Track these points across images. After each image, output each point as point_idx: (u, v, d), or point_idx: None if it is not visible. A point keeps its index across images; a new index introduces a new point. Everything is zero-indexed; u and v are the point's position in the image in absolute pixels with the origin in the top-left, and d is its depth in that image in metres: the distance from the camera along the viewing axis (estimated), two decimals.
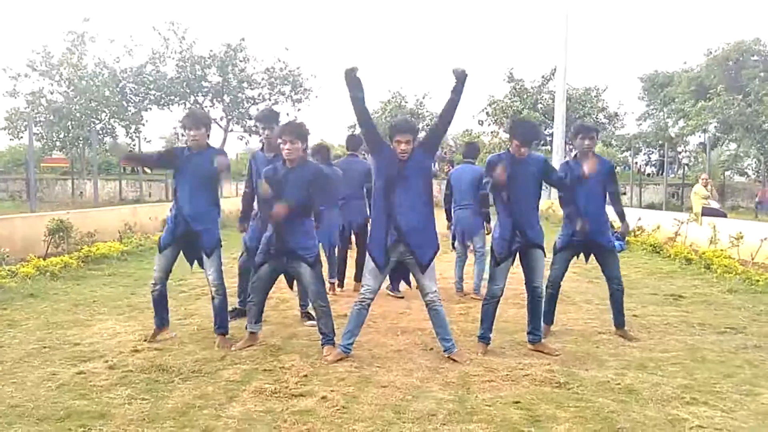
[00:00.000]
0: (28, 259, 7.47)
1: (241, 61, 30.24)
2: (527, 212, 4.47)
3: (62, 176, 28.97)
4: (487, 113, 32.71)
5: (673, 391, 3.67)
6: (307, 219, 4.42)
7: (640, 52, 77.33)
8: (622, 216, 5.11)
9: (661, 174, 32.43)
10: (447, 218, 6.95)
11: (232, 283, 6.96)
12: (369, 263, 4.31)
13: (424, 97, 35.36)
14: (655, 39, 79.18)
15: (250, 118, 29.70)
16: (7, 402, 3.40)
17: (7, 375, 3.86)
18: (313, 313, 4.75)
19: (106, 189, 26.55)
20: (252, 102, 30.78)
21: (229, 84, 29.80)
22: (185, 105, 29.58)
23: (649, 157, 39.74)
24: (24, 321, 5.28)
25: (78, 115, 26.87)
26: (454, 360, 4.23)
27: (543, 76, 32.48)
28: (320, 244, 4.92)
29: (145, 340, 4.61)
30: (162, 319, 4.74)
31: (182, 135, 4.70)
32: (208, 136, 4.66)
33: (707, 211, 11.31)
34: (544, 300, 4.95)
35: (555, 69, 27.02)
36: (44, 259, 7.60)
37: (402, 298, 6.46)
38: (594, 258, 5.04)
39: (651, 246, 10.55)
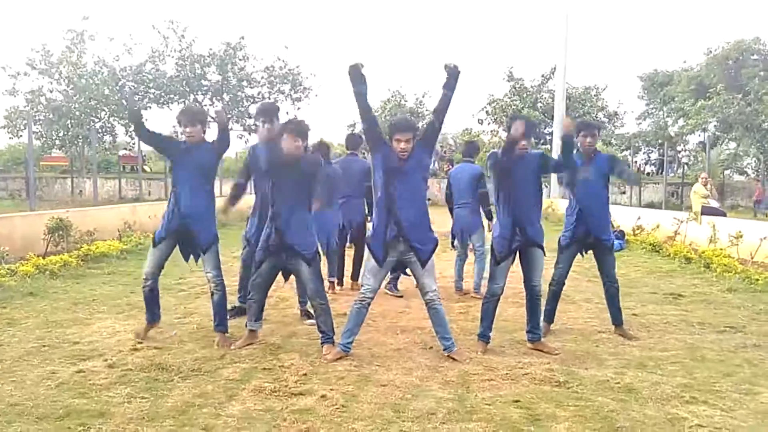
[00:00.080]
0: (28, 258, 7.46)
1: (240, 59, 30.20)
2: (527, 209, 4.47)
3: (62, 175, 28.98)
4: (486, 112, 32.70)
5: (672, 390, 3.67)
6: (306, 215, 4.41)
7: (639, 51, 77.40)
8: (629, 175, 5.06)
9: (661, 173, 32.43)
10: (452, 216, 6.95)
11: (232, 282, 6.98)
12: (369, 261, 4.31)
13: (423, 96, 35.34)
14: (654, 38, 79.22)
15: (250, 117, 29.68)
16: (6, 400, 3.40)
17: (6, 373, 3.86)
18: (312, 311, 4.75)
19: (106, 187, 26.54)
20: (252, 100, 30.73)
21: (228, 82, 29.77)
22: (185, 104, 29.53)
23: (649, 156, 39.74)
24: (23, 319, 5.28)
25: (77, 113, 26.86)
26: (454, 359, 4.23)
27: (543, 75, 32.49)
28: (319, 242, 4.91)
29: (138, 336, 4.61)
30: (153, 314, 4.73)
31: (181, 133, 4.66)
32: (204, 132, 4.64)
33: (707, 210, 11.31)
34: (546, 298, 4.97)
35: (555, 68, 27.00)
36: (44, 258, 7.59)
37: (401, 296, 6.47)
38: (592, 255, 5.04)
39: (650, 245, 10.55)
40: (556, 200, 19.76)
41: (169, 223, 4.56)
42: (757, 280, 7.14)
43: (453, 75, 4.22)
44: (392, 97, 34.91)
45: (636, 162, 34.13)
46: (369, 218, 6.47)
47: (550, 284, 5.04)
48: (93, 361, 4.11)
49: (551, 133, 27.15)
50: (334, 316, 4.60)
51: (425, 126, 4.43)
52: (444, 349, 4.33)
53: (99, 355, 4.26)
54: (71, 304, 5.92)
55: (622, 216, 13.06)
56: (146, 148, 28.31)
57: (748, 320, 5.56)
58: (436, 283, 4.38)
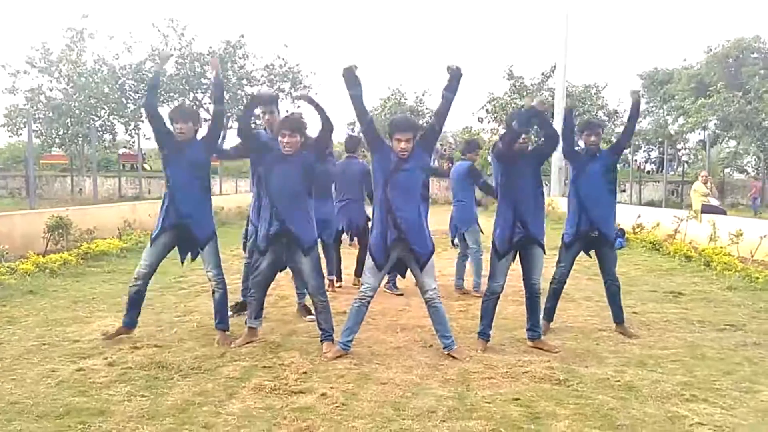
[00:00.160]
0: (28, 256, 7.46)
1: (240, 57, 30.22)
2: (529, 201, 4.46)
3: (61, 173, 28.99)
4: (486, 110, 32.69)
5: (672, 388, 3.67)
6: (307, 205, 4.41)
7: (639, 49, 77.34)
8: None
9: (661, 171, 32.46)
10: None
11: (233, 280, 6.97)
12: (368, 261, 4.32)
13: (423, 94, 35.33)
14: (655, 36, 79.17)
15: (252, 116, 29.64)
16: (6, 399, 3.40)
17: (6, 372, 3.86)
18: (311, 308, 4.75)
19: (106, 186, 26.57)
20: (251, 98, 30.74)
21: (228, 81, 29.75)
22: (185, 102, 29.57)
23: (649, 155, 39.76)
24: (23, 318, 5.28)
25: (77, 112, 26.85)
26: (454, 357, 4.23)
27: (543, 73, 32.46)
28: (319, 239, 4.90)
29: (105, 335, 4.54)
30: (132, 319, 4.63)
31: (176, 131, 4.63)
32: (196, 131, 4.61)
33: (707, 209, 11.30)
34: (547, 296, 4.97)
35: (555, 66, 26.99)
36: (43, 256, 7.59)
37: (401, 295, 6.46)
38: (594, 252, 5.03)
39: (650, 243, 10.54)
40: (556, 199, 19.77)
41: (165, 221, 4.55)
42: (757, 278, 7.13)
43: (455, 77, 4.20)
44: (392, 95, 34.91)
45: (636, 160, 34.13)
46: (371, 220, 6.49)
47: (551, 282, 5.03)
48: (93, 360, 4.11)
49: (557, 134, 27.08)
50: (333, 314, 4.60)
51: (425, 128, 4.42)
52: (444, 348, 4.33)
53: (99, 353, 4.26)
54: (71, 303, 5.92)
55: (622, 214, 13.02)
56: (146, 146, 28.38)
57: (748, 318, 5.56)
58: (436, 281, 4.37)
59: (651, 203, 22.54)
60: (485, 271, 5.06)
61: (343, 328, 4.33)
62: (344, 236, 7.15)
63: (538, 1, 68.63)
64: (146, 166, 31.07)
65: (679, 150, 34.57)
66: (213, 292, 4.69)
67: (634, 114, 5.09)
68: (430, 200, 6.47)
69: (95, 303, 5.94)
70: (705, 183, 12.36)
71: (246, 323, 4.63)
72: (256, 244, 4.56)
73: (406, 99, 35.10)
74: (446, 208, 7.08)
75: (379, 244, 4.24)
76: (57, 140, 27.96)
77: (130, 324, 4.63)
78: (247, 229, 5.37)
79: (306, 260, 4.35)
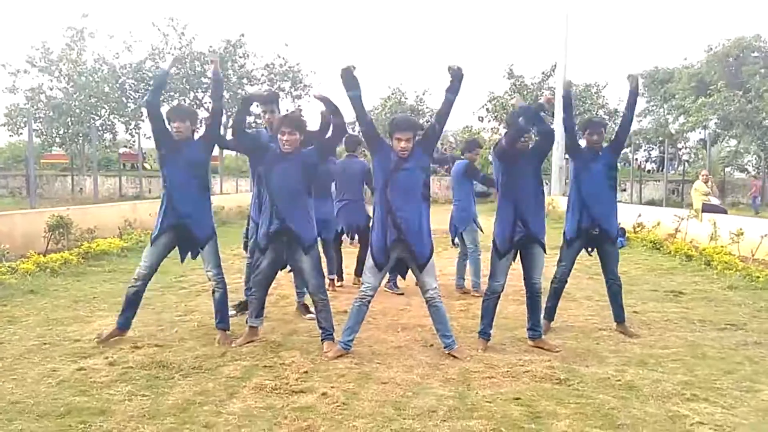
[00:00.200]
0: (28, 256, 7.46)
1: (240, 57, 30.21)
2: (529, 200, 4.45)
3: (62, 172, 29.01)
4: (487, 109, 32.69)
5: (673, 388, 3.67)
6: (308, 204, 4.41)
7: (640, 48, 77.32)
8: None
9: (662, 170, 32.45)
10: None
11: (233, 280, 6.97)
12: (369, 261, 4.32)
13: (424, 94, 35.32)
14: (655, 35, 79.12)
15: (250, 114, 29.68)
16: (7, 398, 3.40)
17: (7, 371, 3.86)
18: (311, 307, 4.75)
19: (106, 185, 26.58)
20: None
21: (228, 80, 29.73)
22: (185, 101, 29.57)
23: (650, 154, 39.75)
24: (24, 317, 5.28)
25: (78, 111, 26.86)
26: (455, 356, 4.23)
27: (543, 72, 32.44)
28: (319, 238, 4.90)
29: (99, 338, 4.49)
30: (127, 320, 4.59)
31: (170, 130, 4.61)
32: (194, 131, 4.59)
33: (707, 208, 11.30)
34: (548, 295, 4.96)
35: (555, 65, 26.99)
36: (44, 256, 7.60)
37: (402, 294, 6.46)
38: (596, 250, 5.02)
39: (651, 242, 10.54)
40: (557, 198, 19.76)
41: (164, 221, 4.53)
42: (758, 277, 7.13)
43: (457, 77, 4.19)
44: (392, 94, 34.90)
45: (637, 159, 34.12)
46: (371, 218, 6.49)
47: (552, 282, 5.03)
48: (94, 359, 4.11)
49: (552, 130, 27.09)
50: (334, 313, 4.61)
51: (426, 128, 4.41)
52: (445, 347, 4.33)
53: (100, 352, 4.26)
54: (72, 302, 5.92)
55: (623, 213, 12.96)
56: (146, 145, 28.38)
57: (749, 318, 5.55)
58: (437, 280, 4.37)
59: (651, 202, 22.53)
60: (486, 270, 5.06)
61: (344, 328, 4.33)
62: (345, 236, 7.15)
63: (538, 1, 68.58)
64: (147, 166, 31.09)
65: (680, 149, 34.56)
66: (213, 292, 4.69)
67: (632, 102, 4.95)
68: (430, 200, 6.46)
69: (96, 302, 5.94)
70: (706, 182, 12.36)
71: (247, 322, 4.63)
72: (256, 243, 4.56)
73: (406, 98, 35.09)
74: (446, 208, 7.07)
75: (379, 245, 4.24)
76: (57, 139, 27.98)
77: (124, 326, 4.59)
78: (247, 228, 5.37)
79: (306, 259, 4.35)
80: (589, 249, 5.04)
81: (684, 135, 32.01)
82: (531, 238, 4.46)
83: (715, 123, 29.55)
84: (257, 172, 4.67)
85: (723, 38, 32.19)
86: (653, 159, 39.81)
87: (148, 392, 3.52)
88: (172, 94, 29.51)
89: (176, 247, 4.67)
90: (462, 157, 6.86)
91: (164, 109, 4.64)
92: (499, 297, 4.59)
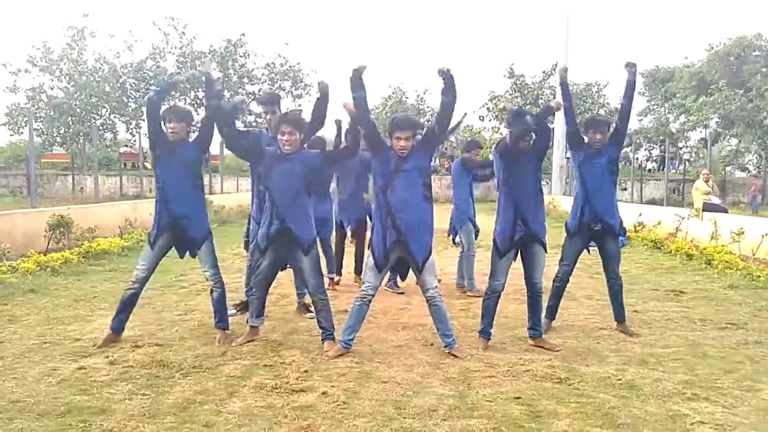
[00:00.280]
0: (29, 255, 7.47)
1: (241, 56, 30.23)
2: (530, 200, 4.45)
3: (63, 172, 29.03)
4: (487, 109, 32.67)
5: (674, 387, 3.67)
6: (307, 205, 4.41)
7: (641, 47, 77.20)
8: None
9: (662, 169, 32.44)
10: None
11: (234, 279, 6.98)
12: (369, 260, 4.32)
13: (425, 93, 35.29)
14: (656, 34, 79.06)
15: (250, 114, 29.70)
16: (7, 397, 3.40)
17: (7, 370, 3.86)
18: (311, 306, 4.75)
19: (107, 184, 26.58)
20: (252, 97, 30.76)
21: (229, 79, 29.76)
22: (185, 101, 29.58)
23: (650, 153, 39.76)
24: (24, 316, 5.28)
25: (78, 110, 26.90)
26: (455, 355, 4.23)
27: (544, 72, 32.42)
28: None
29: (96, 344, 4.43)
30: (120, 324, 4.54)
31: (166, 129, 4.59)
32: (188, 133, 4.56)
33: (708, 207, 11.29)
34: (549, 294, 4.96)
35: (556, 64, 26.96)
36: (45, 255, 7.60)
37: (402, 293, 6.46)
38: (597, 251, 5.01)
39: (652, 241, 10.54)
40: (557, 197, 19.76)
41: (161, 222, 4.52)
42: (759, 276, 7.13)
43: (448, 80, 4.18)
44: (393, 93, 34.89)
45: (637, 158, 34.10)
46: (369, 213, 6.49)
47: (554, 281, 5.03)
48: (94, 358, 4.11)
49: (553, 130, 27.10)
50: (334, 313, 4.60)
51: (426, 129, 4.40)
52: (445, 346, 4.32)
53: (100, 351, 4.25)
54: (72, 301, 5.92)
55: (624, 212, 12.92)
56: (147, 145, 28.43)
57: (750, 317, 5.55)
58: (437, 280, 4.37)
59: (652, 201, 22.51)
60: (486, 269, 5.05)
61: (344, 327, 4.33)
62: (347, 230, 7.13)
63: (539, 0, 68.56)
64: (147, 165, 30.98)
65: (681, 148, 34.54)
66: (211, 292, 4.69)
67: (630, 93, 4.87)
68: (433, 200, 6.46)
69: (96, 301, 5.94)
70: (706, 181, 12.35)
71: (247, 322, 4.63)
72: (256, 244, 4.56)
73: (407, 97, 35.08)
74: (447, 207, 7.07)
75: (379, 246, 4.24)
76: (58, 139, 28.02)
77: (118, 329, 4.54)
78: (248, 228, 5.36)
79: (306, 259, 4.35)
80: (590, 247, 5.03)
81: (685, 134, 32.01)
82: (531, 237, 4.45)
83: (716, 122, 29.55)
84: (257, 172, 4.67)
85: (724, 37, 32.23)
86: (654, 158, 39.83)
87: (149, 391, 3.52)
88: (172, 93, 29.53)
89: (173, 247, 4.65)
90: (463, 156, 6.86)
91: (163, 107, 4.62)
92: (499, 296, 4.59)
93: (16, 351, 4.27)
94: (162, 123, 4.51)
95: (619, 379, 3.79)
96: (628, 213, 12.91)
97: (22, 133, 27.47)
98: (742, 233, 8.89)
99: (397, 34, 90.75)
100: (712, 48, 31.48)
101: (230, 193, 21.71)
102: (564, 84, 5.06)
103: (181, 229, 4.53)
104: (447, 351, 4.29)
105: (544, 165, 4.78)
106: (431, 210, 4.29)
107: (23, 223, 8.72)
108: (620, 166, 5.22)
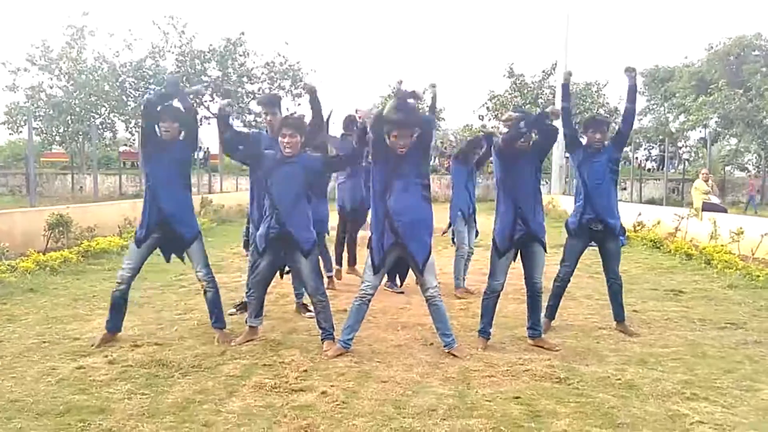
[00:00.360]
0: (28, 254, 7.46)
1: (240, 55, 30.20)
2: (529, 199, 4.44)
3: (62, 171, 29.02)
4: (487, 108, 32.69)
5: (673, 387, 3.67)
6: (307, 208, 4.40)
7: (641, 46, 77.21)
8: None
9: (662, 169, 32.45)
10: None
11: (233, 278, 6.98)
12: (368, 260, 4.32)
13: (424, 92, 35.16)
14: (656, 34, 79.07)
15: (250, 113, 29.70)
16: (6, 397, 3.40)
17: (6, 370, 3.86)
18: (310, 306, 4.75)
19: (106, 184, 26.58)
20: (252, 96, 30.77)
21: (228, 78, 29.75)
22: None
23: (650, 152, 39.76)
24: (23, 316, 5.28)
25: (78, 109, 26.89)
26: (454, 355, 4.23)
27: (544, 71, 32.41)
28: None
29: (93, 344, 4.41)
30: (117, 323, 4.53)
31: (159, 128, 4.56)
32: (180, 132, 4.53)
33: (708, 207, 11.29)
34: (549, 294, 4.96)
35: (555, 63, 26.98)
36: (44, 254, 7.59)
37: (402, 293, 6.45)
38: (598, 248, 5.01)
39: (651, 241, 10.53)
40: (557, 197, 19.76)
41: (149, 220, 4.49)
42: (758, 276, 7.13)
43: (403, 98, 4.24)
44: (393, 92, 34.84)
45: (637, 158, 34.11)
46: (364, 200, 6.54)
47: (554, 281, 5.02)
48: (93, 358, 4.10)
49: (556, 128, 27.09)
50: (334, 312, 4.60)
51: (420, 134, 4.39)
52: (444, 346, 4.32)
53: (99, 351, 4.25)
54: (71, 300, 5.91)
55: (623, 212, 12.94)
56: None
57: (749, 317, 5.55)
58: (437, 279, 4.37)
59: (652, 201, 22.52)
60: (485, 269, 5.04)
61: (344, 327, 4.33)
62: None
63: None
64: None
65: (680, 148, 34.55)
66: (205, 292, 4.66)
67: (632, 98, 4.87)
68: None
69: (96, 301, 5.94)
70: (706, 181, 12.34)
71: (246, 322, 4.62)
72: (255, 245, 4.56)
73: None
74: (446, 207, 7.07)
75: (377, 247, 4.25)
76: (57, 138, 28.01)
77: (114, 329, 4.52)
78: (248, 227, 5.36)
79: (305, 262, 4.34)
80: (591, 246, 5.03)
81: (684, 134, 32.02)
82: (531, 236, 4.45)
83: (716, 122, 29.56)
84: (257, 175, 4.66)
85: (724, 37, 32.35)
86: (653, 158, 39.83)
87: (148, 391, 3.51)
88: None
89: (158, 248, 4.59)
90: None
91: None
92: (498, 296, 4.58)
93: (15, 350, 4.26)
94: (156, 123, 4.50)
95: (619, 379, 3.79)
96: (628, 212, 12.92)
97: (21, 132, 27.46)
98: (742, 233, 8.90)
99: (397, 33, 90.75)
100: (712, 47, 31.49)
101: (230, 193, 21.71)
102: (566, 86, 5.07)
103: (171, 228, 4.50)
104: (446, 350, 4.29)
105: (543, 165, 4.77)
106: (430, 210, 4.29)
107: (22, 222, 8.72)
108: (620, 165, 5.19)
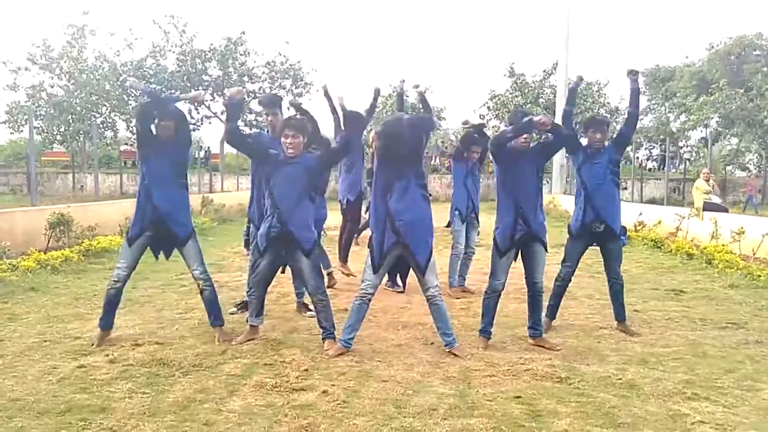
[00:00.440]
0: (29, 253, 7.46)
1: (241, 54, 30.21)
2: (530, 199, 4.44)
3: (63, 170, 29.06)
4: (488, 108, 32.69)
5: (674, 387, 3.67)
6: (309, 208, 4.40)
7: (641, 46, 77.16)
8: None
9: (663, 169, 32.43)
10: None
11: (234, 277, 6.98)
12: (368, 259, 4.32)
13: (425, 92, 35.28)
14: (656, 33, 79.02)
15: (251, 113, 29.70)
16: (7, 395, 3.40)
17: (7, 369, 3.86)
18: (310, 305, 4.75)
19: (107, 183, 26.59)
20: (253, 96, 30.76)
21: (229, 78, 29.77)
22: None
23: (651, 152, 39.74)
24: (25, 315, 5.28)
25: (78, 108, 26.91)
26: (455, 354, 4.23)
27: (544, 71, 32.41)
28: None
29: (92, 343, 4.41)
30: (110, 321, 4.52)
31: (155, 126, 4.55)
32: (176, 131, 4.52)
33: (709, 206, 11.28)
34: (551, 294, 4.96)
35: (556, 63, 26.97)
36: (45, 253, 7.59)
37: (402, 292, 6.46)
38: (600, 248, 5.00)
39: (652, 241, 10.53)
40: (558, 196, 19.75)
41: (144, 219, 4.48)
42: (759, 276, 7.12)
43: (395, 97, 4.28)
44: (393, 92, 34.85)
45: (638, 158, 34.09)
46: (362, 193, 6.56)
47: (555, 280, 5.02)
48: (94, 357, 4.11)
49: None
50: (335, 312, 4.60)
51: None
52: (445, 345, 4.32)
53: (100, 350, 4.25)
54: (72, 299, 5.92)
55: (624, 212, 12.97)
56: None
57: (750, 316, 5.55)
58: (438, 279, 4.37)
59: (652, 201, 22.50)
60: (486, 269, 5.04)
61: (345, 326, 4.33)
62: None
63: None
64: None
65: (681, 147, 34.55)
66: (201, 291, 4.66)
67: (635, 101, 4.92)
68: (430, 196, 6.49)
69: (96, 300, 5.93)
70: (707, 180, 12.33)
71: (247, 321, 4.62)
72: (255, 244, 4.55)
73: (407, 96, 35.03)
74: (446, 206, 7.07)
75: (377, 247, 4.25)
76: (58, 137, 28.04)
77: (107, 326, 4.52)
78: (248, 227, 5.36)
79: (306, 261, 4.34)
80: (593, 244, 5.03)
81: (685, 133, 32.02)
82: (532, 236, 4.45)
83: (717, 121, 29.55)
84: (259, 175, 4.66)
85: (725, 36, 32.30)
86: (654, 157, 39.81)
87: (149, 390, 3.52)
88: (172, 91, 29.51)
89: (149, 246, 4.58)
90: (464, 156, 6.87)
91: None
92: (499, 295, 4.58)
93: (16, 349, 4.27)
94: (152, 122, 4.49)
95: (620, 379, 3.79)
96: (629, 212, 12.91)
97: (22, 131, 27.50)
98: (743, 233, 8.89)
99: (397, 32, 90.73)
100: (713, 47, 31.46)
101: (230, 192, 21.72)
102: (574, 90, 5.05)
103: (165, 227, 4.48)
104: (447, 350, 4.29)
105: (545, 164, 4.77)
106: (430, 210, 4.30)
107: (23, 222, 8.72)
108: (621, 165, 5.18)
